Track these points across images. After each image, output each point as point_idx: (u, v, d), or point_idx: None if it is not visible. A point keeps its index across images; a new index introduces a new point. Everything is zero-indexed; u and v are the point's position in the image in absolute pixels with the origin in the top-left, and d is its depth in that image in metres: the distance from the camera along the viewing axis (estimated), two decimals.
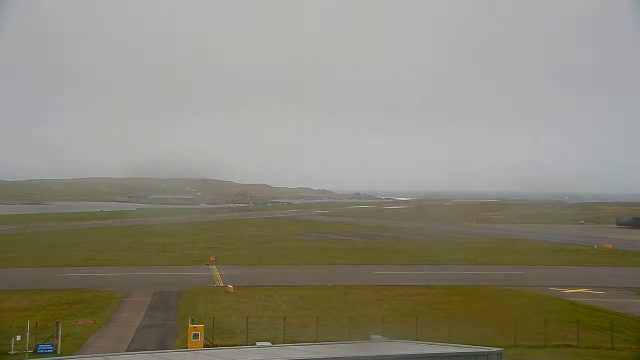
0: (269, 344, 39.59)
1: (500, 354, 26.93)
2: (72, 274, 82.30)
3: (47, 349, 42.61)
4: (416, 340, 38.24)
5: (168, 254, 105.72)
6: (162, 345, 43.44)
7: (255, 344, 39.50)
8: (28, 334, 43.15)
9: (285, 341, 43.38)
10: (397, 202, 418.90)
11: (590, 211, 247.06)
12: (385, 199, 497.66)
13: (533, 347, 44.97)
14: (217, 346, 41.11)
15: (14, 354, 42.22)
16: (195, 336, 43.17)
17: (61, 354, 40.82)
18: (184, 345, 42.60)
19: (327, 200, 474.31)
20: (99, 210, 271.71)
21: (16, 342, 42.77)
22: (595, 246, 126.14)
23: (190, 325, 44.41)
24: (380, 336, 38.66)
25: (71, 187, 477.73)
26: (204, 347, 41.29)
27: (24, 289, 68.32)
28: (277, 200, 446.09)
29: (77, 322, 52.23)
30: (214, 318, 48.56)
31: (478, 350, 28.33)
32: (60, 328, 43.99)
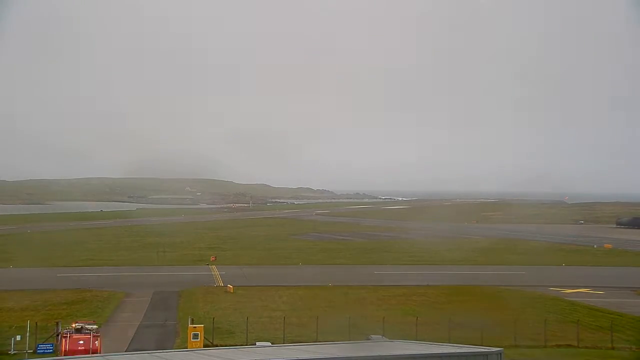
0: (269, 344, 39.68)
1: (500, 354, 26.95)
2: (72, 274, 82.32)
3: (47, 349, 42.64)
4: (416, 340, 38.25)
5: (168, 254, 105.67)
6: (161, 346, 43.41)
7: (255, 344, 39.58)
8: (28, 334, 43.18)
9: (285, 341, 43.42)
10: (397, 202, 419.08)
11: (590, 211, 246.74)
12: (385, 199, 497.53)
13: (533, 347, 45.05)
14: (217, 346, 41.12)
15: (14, 354, 42.28)
16: (195, 336, 43.21)
17: None
18: (183, 346, 42.63)
19: (327, 200, 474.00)
20: (99, 210, 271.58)
21: (16, 342, 42.82)
22: (595, 246, 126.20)
23: (190, 325, 44.45)
24: (380, 336, 38.72)
25: (71, 187, 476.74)
26: (203, 347, 41.32)
27: (24, 289, 68.31)
28: (277, 200, 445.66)
29: (77, 322, 52.15)
30: (213, 318, 48.62)
31: (478, 350, 28.36)
32: (60, 328, 43.97)
